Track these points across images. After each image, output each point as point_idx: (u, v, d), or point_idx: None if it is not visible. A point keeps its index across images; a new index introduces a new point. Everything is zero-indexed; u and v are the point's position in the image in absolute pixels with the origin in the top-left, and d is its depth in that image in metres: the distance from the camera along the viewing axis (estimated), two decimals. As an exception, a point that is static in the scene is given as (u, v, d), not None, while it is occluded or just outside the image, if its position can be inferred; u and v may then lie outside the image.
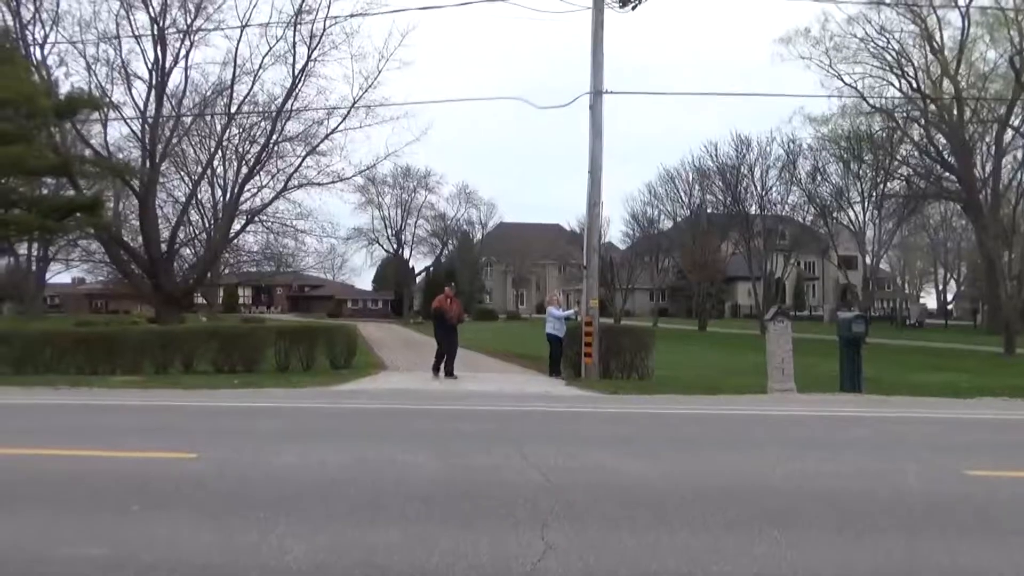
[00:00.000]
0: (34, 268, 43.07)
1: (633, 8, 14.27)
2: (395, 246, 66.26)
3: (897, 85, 32.61)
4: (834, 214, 41.26)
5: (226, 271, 32.61)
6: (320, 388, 12.03)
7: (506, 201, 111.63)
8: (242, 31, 25.10)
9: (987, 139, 31.85)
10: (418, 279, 78.15)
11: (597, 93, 13.85)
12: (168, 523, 4.43)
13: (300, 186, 27.95)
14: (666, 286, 62.16)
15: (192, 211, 28.88)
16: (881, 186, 38.36)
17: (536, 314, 66.69)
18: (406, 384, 12.78)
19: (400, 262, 66.99)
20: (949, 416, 9.39)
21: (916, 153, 34.53)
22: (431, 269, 69.56)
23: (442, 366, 13.55)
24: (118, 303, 55.22)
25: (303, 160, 27.25)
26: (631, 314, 64.23)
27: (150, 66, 24.42)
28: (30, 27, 22.77)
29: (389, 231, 65.64)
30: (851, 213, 40.45)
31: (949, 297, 65.03)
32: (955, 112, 31.27)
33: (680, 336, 35.27)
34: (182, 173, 28.80)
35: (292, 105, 25.90)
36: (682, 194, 48.33)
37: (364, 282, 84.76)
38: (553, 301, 14.73)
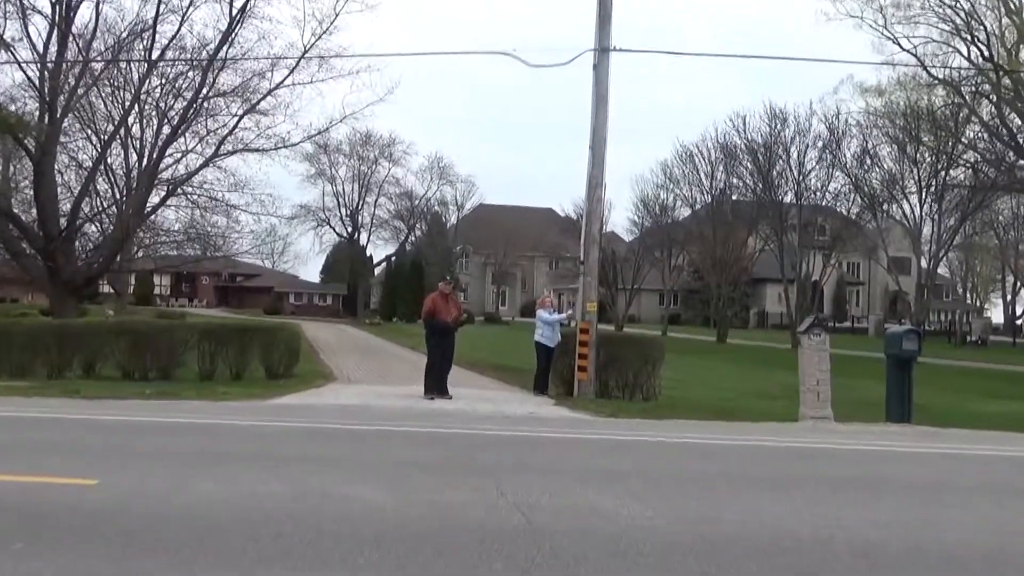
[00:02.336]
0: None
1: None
2: (350, 229, 66.16)
3: (965, 53, 32.79)
4: (884, 206, 41.77)
5: (140, 254, 32.30)
6: (253, 402, 11.99)
7: (488, 179, 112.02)
8: (168, -44, 24.89)
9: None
10: (377, 271, 78.10)
11: (603, 51, 13.87)
12: (58, 565, 4.40)
13: (235, 151, 27.78)
14: (679, 288, 62.56)
15: (100, 179, 28.58)
16: (942, 174, 38.79)
17: (521, 317, 66.88)
18: (360, 399, 12.77)
19: (355, 249, 66.83)
20: (1015, 454, 9.52)
21: (985, 135, 34.76)
22: (393, 259, 69.53)
23: (434, 384, 13.36)
24: (4, 290, 54.56)
25: (240, 120, 27.07)
26: (636, 320, 64.58)
27: (52, -2, 24.13)
28: None
29: (343, 211, 65.51)
30: (905, 206, 41.02)
31: (1019, 310, 65.64)
32: (1033, 88, 31.61)
33: (695, 349, 35.50)
34: (89, 132, 28.43)
35: (228, 52, 25.72)
36: (703, 176, 48.66)
37: (311, 272, 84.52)
38: (544, 303, 14.78)
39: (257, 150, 28.40)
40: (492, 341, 36.45)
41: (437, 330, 13.38)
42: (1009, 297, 68.15)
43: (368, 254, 71.27)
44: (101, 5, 25.10)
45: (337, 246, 72.30)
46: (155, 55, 25.32)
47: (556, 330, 14.37)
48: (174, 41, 25.61)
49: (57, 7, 24.00)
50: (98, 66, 25.73)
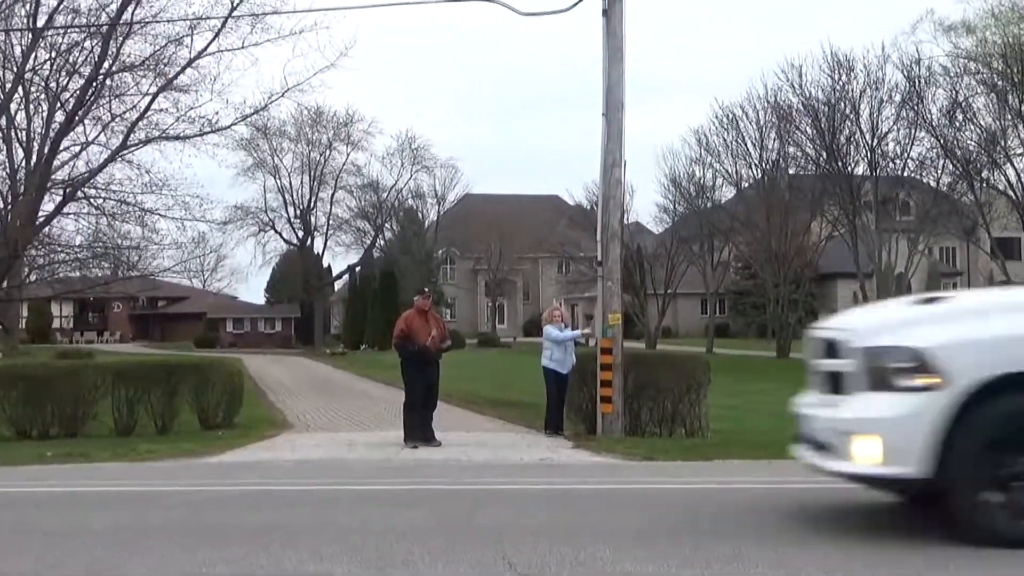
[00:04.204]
0: None
1: None
2: (301, 234, 66.50)
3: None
4: (984, 173, 41.70)
5: (33, 277, 32.36)
6: (186, 461, 11.99)
7: (475, 162, 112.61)
8: None
9: None
10: (338, 285, 78.30)
11: (614, -9, 13.99)
12: None
13: (149, 141, 27.92)
14: (726, 290, 62.66)
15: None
16: (1056, 129, 38.73)
17: (524, 337, 66.96)
18: (323, 451, 12.79)
19: (309, 259, 67.07)
20: None
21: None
22: (358, 269, 69.79)
23: (418, 428, 13.37)
24: None
25: (153, 100, 27.24)
26: (673, 334, 64.68)
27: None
28: None
29: (291, 211, 65.93)
30: (1010, 172, 40.89)
31: None
32: None
33: (749, 367, 35.53)
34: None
35: (135, 14, 25.78)
36: (749, 146, 48.81)
37: (253, 292, 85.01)
38: (553, 317, 14.81)
39: (177, 138, 28.51)
40: (489, 369, 36.42)
41: (415, 358, 13.37)
42: None
43: (325, 265, 71.65)
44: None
45: (285, 256, 72.50)
46: (41, 22, 25.37)
47: (570, 351, 14.40)
48: (65, 3, 25.68)
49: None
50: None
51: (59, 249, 31.01)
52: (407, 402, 13.58)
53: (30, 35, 26.01)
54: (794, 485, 9.60)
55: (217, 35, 26.19)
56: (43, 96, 27.84)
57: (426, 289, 14.98)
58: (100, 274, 32.77)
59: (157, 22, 26.06)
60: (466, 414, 18.96)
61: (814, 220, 47.34)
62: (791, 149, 46.58)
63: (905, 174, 43.60)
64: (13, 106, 28.17)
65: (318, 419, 18.42)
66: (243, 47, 27.20)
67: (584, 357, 14.66)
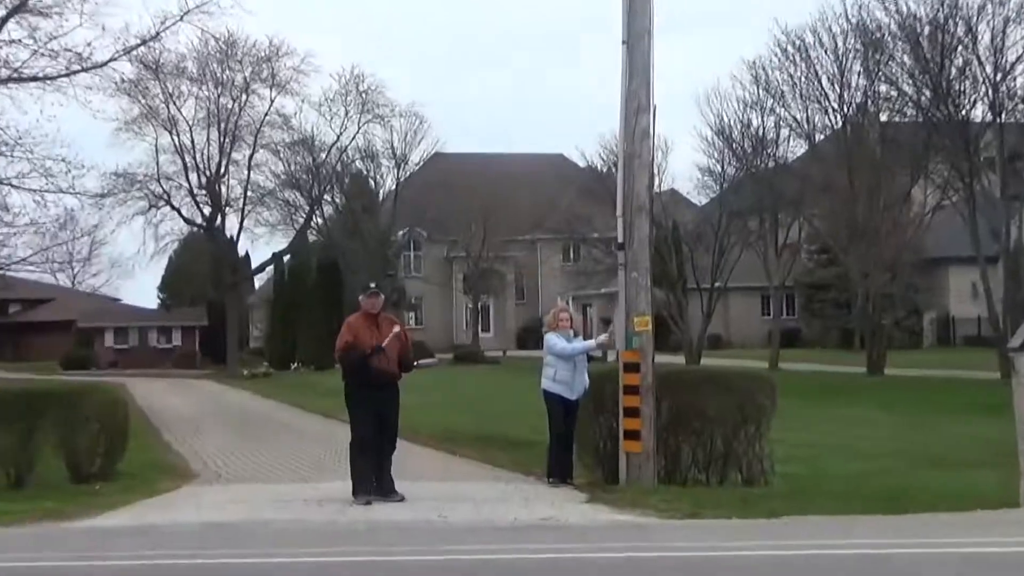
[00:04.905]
0: None
1: None
2: (208, 211, 66.08)
3: None
4: None
5: None
6: (47, 526, 11.93)
7: (447, 111, 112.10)
8: None
9: None
10: (260, 282, 77.68)
11: None
12: None
13: (-4, 83, 27.74)
14: (796, 282, 62.71)
15: None
16: None
17: (517, 350, 66.83)
18: (242, 511, 12.74)
19: (219, 246, 66.74)
20: None
21: None
22: (287, 259, 69.51)
23: (370, 477, 13.39)
24: None
25: (1, 27, 27.07)
26: (723, 344, 64.36)
27: None
28: None
29: (194, 178, 65.45)
30: None
31: None
32: None
33: (829, 388, 35.52)
34: None
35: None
36: (824, 83, 48.75)
37: (142, 292, 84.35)
38: (558, 323, 14.76)
39: (35, 79, 28.35)
40: (469, 394, 36.28)
41: (365, 380, 13.36)
42: None
43: (242, 253, 71.28)
44: None
45: (186, 243, 72.21)
46: None
47: (580, 370, 14.41)
48: None
49: None
50: None
51: None
52: (355, 441, 13.53)
53: None
54: (903, 550, 9.61)
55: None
56: None
57: (373, 285, 14.62)
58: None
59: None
60: (439, 457, 18.92)
61: (916, 185, 47.27)
62: (883, 87, 46.60)
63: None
64: None
65: (233, 466, 18.36)
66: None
67: (600, 377, 14.61)
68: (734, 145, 52.84)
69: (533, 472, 15.44)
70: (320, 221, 68.36)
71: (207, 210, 66.46)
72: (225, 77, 62.93)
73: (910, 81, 44.29)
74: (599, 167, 56.57)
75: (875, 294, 46.09)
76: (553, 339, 14.44)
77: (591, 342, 15.07)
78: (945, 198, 46.64)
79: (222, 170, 65.44)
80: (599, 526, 11.50)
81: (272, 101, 64.10)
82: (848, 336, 57.22)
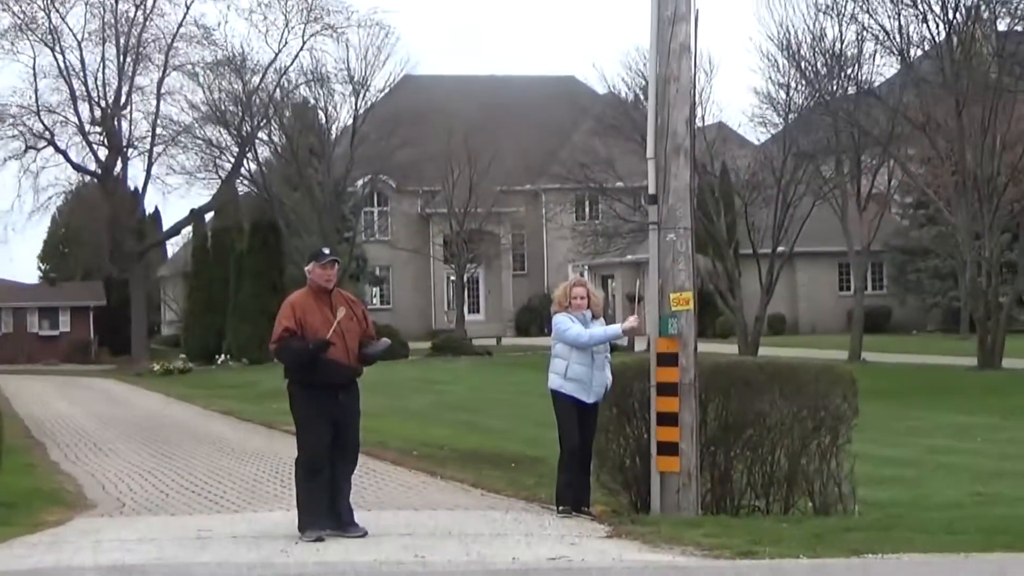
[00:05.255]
0: None
1: None
2: (104, 155, 65.89)
3: None
4: None
5: None
6: None
7: (422, 23, 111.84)
8: None
9: None
10: (173, 248, 77.44)
11: None
12: None
13: None
14: (886, 246, 62.74)
15: None
16: None
17: (519, 337, 66.89)
18: (152, 551, 12.83)
19: (119, 201, 66.53)
20: None
21: None
22: (209, 219, 69.37)
23: (323, 505, 13.43)
24: None
25: None
26: (791, 328, 64.32)
27: None
28: None
29: (84, 111, 65.61)
30: None
31: None
32: None
33: (927, 386, 35.61)
34: None
35: None
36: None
37: (18, 264, 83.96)
38: (573, 299, 14.74)
39: None
40: (453, 396, 36.30)
41: (314, 379, 13.43)
42: None
43: (150, 210, 71.30)
44: None
45: (76, 197, 72.18)
46: None
47: (599, 363, 14.46)
48: None
49: None
50: None
51: None
52: (303, 459, 13.56)
53: None
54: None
55: None
56: None
57: (327, 251, 14.59)
58: None
59: None
60: (414, 479, 18.95)
61: (1045, 115, 47.28)
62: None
63: None
64: None
65: (141, 492, 18.37)
66: None
67: (627, 372, 14.66)
68: (803, 64, 52.72)
69: (538, 498, 15.51)
70: (254, 167, 67.98)
71: (103, 153, 66.44)
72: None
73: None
74: (623, 94, 56.53)
75: (990, 263, 46.09)
76: (564, 322, 14.45)
77: (615, 327, 15.11)
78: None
79: (122, 100, 65.42)
80: (624, 568, 11.59)
81: (188, 7, 64.13)
82: (954, 317, 57.40)
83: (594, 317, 14.60)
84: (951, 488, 17.50)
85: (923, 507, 15.46)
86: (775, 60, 53.52)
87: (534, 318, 66.66)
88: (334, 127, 68.13)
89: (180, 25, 64.02)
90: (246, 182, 68.18)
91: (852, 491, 14.40)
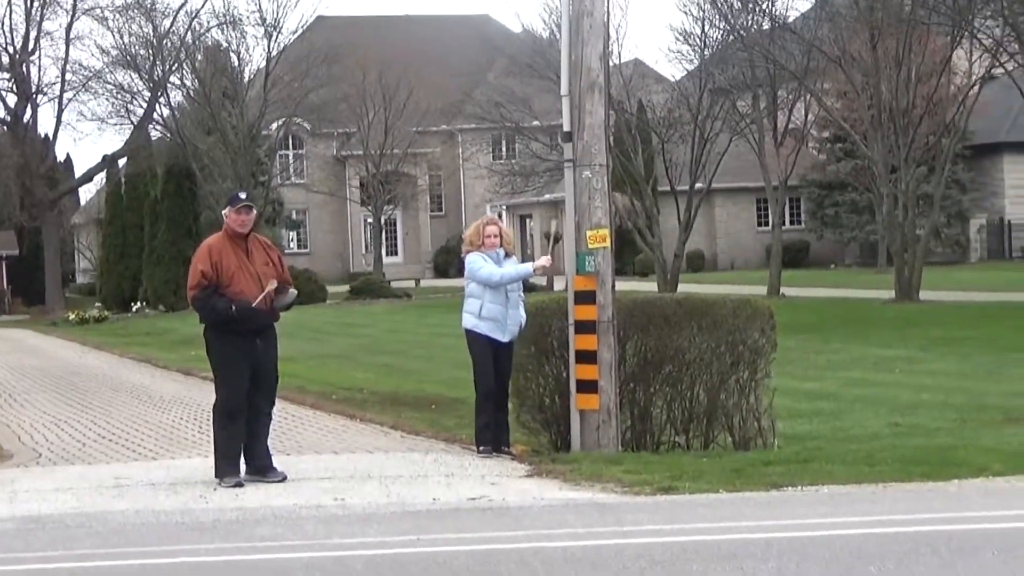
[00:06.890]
0: None
1: None
2: (13, 101, 65.33)
3: None
4: None
5: None
6: None
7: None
8: None
9: None
10: (86, 195, 76.70)
11: None
12: None
13: None
14: (803, 181, 62.94)
15: None
16: None
17: (437, 278, 66.79)
18: (69, 500, 12.75)
19: (29, 148, 65.95)
20: None
21: None
22: (122, 164, 68.72)
23: (239, 447, 13.41)
24: None
25: None
26: (709, 265, 64.53)
27: None
28: None
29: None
30: None
31: None
32: None
33: (846, 320, 35.79)
34: None
35: None
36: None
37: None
38: (486, 238, 14.67)
39: None
40: (371, 338, 36.24)
41: (230, 324, 13.36)
42: None
43: (61, 157, 70.47)
44: None
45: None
46: None
47: (513, 301, 14.44)
48: None
49: None
50: None
51: None
52: (220, 405, 13.52)
53: None
54: (940, 527, 9.75)
55: None
56: None
57: (243, 195, 14.45)
58: None
59: None
60: (333, 422, 18.90)
61: (959, 48, 47.39)
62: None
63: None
64: None
65: (58, 442, 18.22)
66: None
67: (543, 311, 14.66)
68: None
69: (458, 439, 15.51)
70: (166, 112, 67.44)
71: (12, 100, 65.85)
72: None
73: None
74: (539, 32, 56.36)
75: (906, 195, 46.32)
76: (477, 261, 14.38)
77: (527, 266, 15.13)
78: (997, 64, 46.83)
79: (30, 45, 64.75)
80: (545, 506, 11.61)
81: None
82: (871, 251, 57.71)
83: (507, 255, 14.56)
84: (870, 420, 17.60)
85: (842, 439, 15.57)
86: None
87: (452, 259, 66.47)
88: (247, 70, 67.73)
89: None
90: (159, 127, 67.76)
91: (771, 425, 14.49)
